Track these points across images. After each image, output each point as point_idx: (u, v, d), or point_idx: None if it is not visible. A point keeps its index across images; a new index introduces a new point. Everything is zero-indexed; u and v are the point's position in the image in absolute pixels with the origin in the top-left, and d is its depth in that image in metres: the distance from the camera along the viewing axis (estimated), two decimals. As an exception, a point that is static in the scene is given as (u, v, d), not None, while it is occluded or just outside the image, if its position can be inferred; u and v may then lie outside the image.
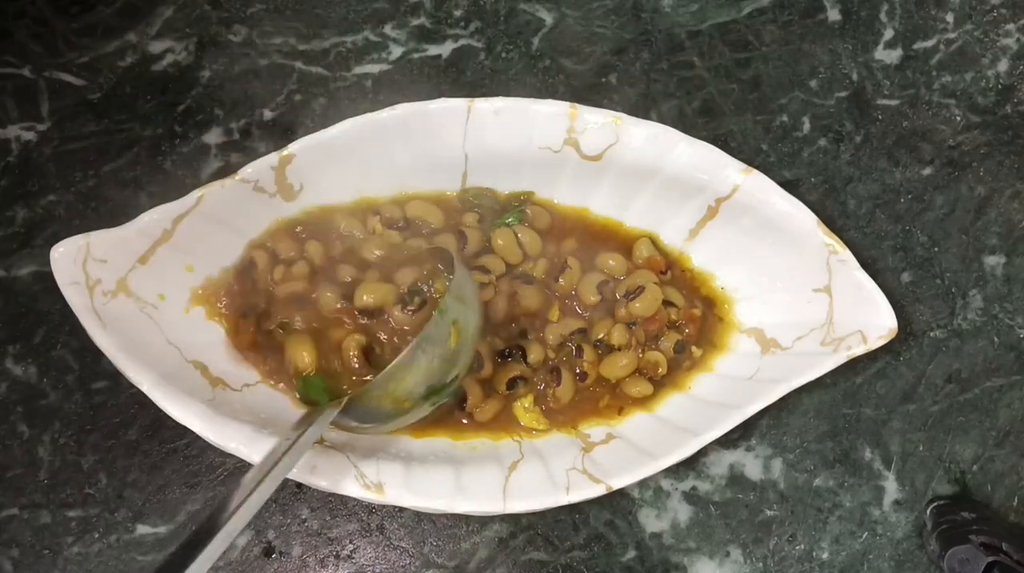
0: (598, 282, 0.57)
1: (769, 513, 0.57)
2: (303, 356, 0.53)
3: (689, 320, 0.58)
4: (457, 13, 0.66)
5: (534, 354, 0.56)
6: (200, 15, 0.65)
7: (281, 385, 0.55)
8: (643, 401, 0.56)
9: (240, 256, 0.56)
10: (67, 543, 0.55)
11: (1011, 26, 0.67)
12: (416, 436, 0.54)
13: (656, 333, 0.57)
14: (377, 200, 0.58)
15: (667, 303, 0.57)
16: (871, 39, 0.66)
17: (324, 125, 0.56)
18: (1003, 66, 0.66)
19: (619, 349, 0.56)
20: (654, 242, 0.59)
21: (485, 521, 0.56)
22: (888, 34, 0.67)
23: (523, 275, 0.57)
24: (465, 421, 0.55)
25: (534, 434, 0.55)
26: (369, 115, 0.56)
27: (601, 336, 0.56)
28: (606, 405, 0.56)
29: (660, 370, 0.56)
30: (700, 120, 0.64)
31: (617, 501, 0.57)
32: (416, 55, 0.65)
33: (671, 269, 0.59)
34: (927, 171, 0.64)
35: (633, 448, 0.53)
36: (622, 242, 0.59)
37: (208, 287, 0.55)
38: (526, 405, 0.55)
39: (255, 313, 0.55)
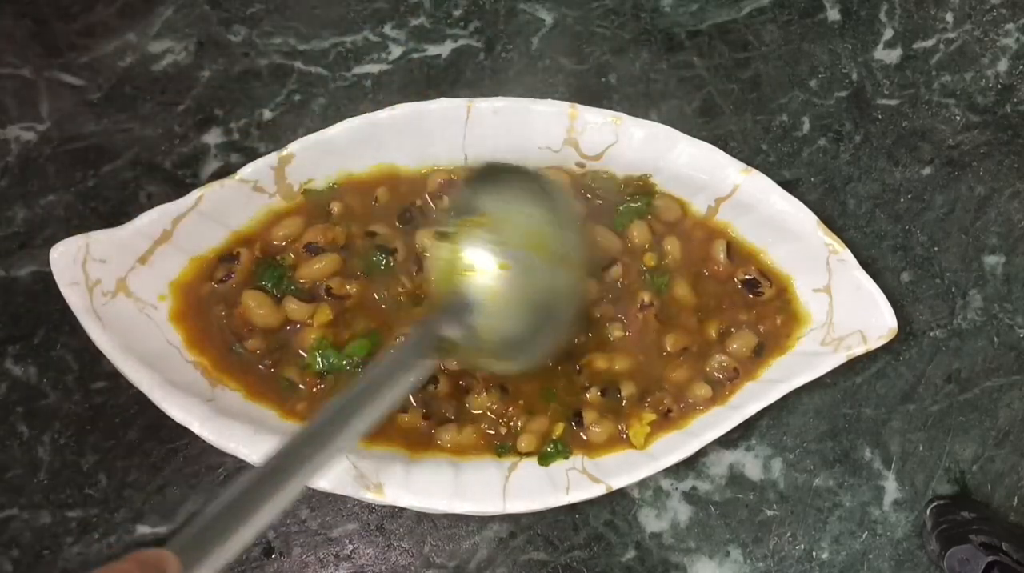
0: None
1: (769, 513, 0.57)
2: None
3: (761, 318, 0.56)
4: (457, 13, 0.66)
5: (626, 389, 0.54)
6: (200, 15, 0.65)
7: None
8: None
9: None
10: (67, 543, 0.55)
11: (1011, 26, 0.67)
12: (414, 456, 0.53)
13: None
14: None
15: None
16: (871, 39, 0.66)
17: (324, 125, 0.56)
18: (1003, 66, 0.66)
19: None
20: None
21: (485, 521, 0.56)
22: (888, 34, 0.67)
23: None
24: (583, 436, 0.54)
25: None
26: (369, 115, 0.56)
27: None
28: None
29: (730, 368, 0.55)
30: (700, 120, 0.64)
31: (617, 501, 0.57)
32: (416, 55, 0.65)
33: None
34: (927, 171, 0.64)
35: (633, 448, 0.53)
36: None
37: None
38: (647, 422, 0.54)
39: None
